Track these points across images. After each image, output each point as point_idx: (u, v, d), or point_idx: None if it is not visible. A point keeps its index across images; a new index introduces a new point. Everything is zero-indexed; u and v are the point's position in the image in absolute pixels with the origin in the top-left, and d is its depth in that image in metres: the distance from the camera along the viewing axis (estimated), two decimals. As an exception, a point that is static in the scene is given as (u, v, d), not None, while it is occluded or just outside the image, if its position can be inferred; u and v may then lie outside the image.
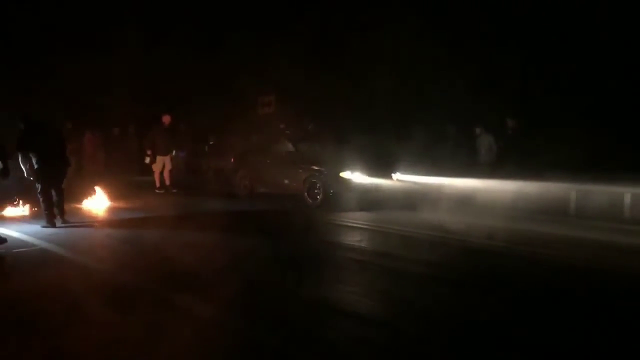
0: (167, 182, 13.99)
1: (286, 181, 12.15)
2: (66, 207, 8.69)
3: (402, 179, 11.95)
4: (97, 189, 10.85)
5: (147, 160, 13.96)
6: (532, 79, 13.53)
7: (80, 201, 10.60)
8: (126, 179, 15.53)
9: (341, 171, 11.31)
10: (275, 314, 4.42)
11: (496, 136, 12.72)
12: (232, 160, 14.17)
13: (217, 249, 6.92)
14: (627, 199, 10.41)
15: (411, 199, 11.23)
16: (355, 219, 9.84)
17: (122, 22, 18.97)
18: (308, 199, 11.54)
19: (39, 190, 8.28)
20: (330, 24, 16.88)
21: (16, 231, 7.87)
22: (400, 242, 7.87)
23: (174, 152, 14.32)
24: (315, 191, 11.45)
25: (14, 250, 6.69)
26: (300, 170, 11.82)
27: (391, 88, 15.33)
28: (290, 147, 12.63)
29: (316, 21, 17.30)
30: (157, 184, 13.96)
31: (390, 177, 11.80)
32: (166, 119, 14.08)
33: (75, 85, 16.85)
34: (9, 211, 9.55)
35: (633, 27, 12.15)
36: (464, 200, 11.15)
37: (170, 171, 14.04)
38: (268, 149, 13.16)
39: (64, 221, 8.47)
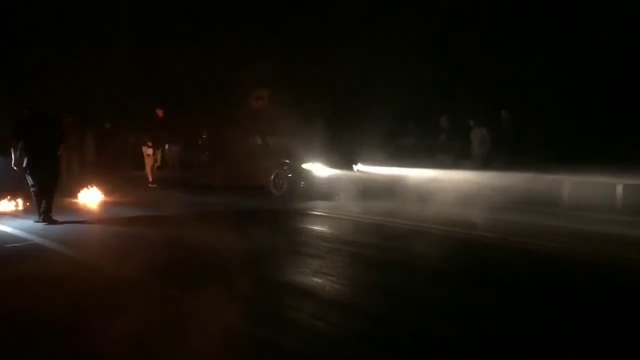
0: (150, 178, 13.98)
1: (255, 173, 12.86)
2: (61, 201, 8.63)
3: (363, 170, 12.72)
4: (92, 183, 10.81)
5: (150, 152, 13.91)
6: (527, 71, 13.55)
7: (75, 195, 10.56)
8: (119, 173, 15.47)
9: (303, 163, 12.08)
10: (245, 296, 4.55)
11: (489, 129, 12.75)
12: (207, 153, 14.81)
13: (187, 240, 7.08)
14: (619, 190, 10.47)
15: (370, 189, 11.88)
16: (314, 207, 10.48)
17: (116, 16, 18.91)
18: (273, 189, 12.30)
19: (30, 184, 8.22)
20: (319, 18, 16.90)
21: (9, 226, 7.84)
22: (353, 228, 8.41)
23: (166, 146, 14.33)
24: (280, 182, 12.24)
25: (7, 246, 6.66)
26: (267, 163, 12.64)
27: (382, 81, 15.36)
28: (259, 140, 13.48)
29: (303, 15, 17.41)
30: (150, 179, 13.94)
31: (351, 168, 12.53)
32: (159, 112, 14.08)
33: (67, 79, 16.74)
34: (2, 206, 9.47)
35: (626, 22, 12.20)
36: (426, 190, 11.43)
37: (153, 166, 14.03)
38: (239, 143, 13.86)
39: (48, 219, 8.16)
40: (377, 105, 14.12)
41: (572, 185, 11.14)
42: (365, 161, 12.86)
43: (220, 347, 3.49)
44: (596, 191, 10.66)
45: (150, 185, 13.76)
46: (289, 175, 12.15)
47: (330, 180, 12.08)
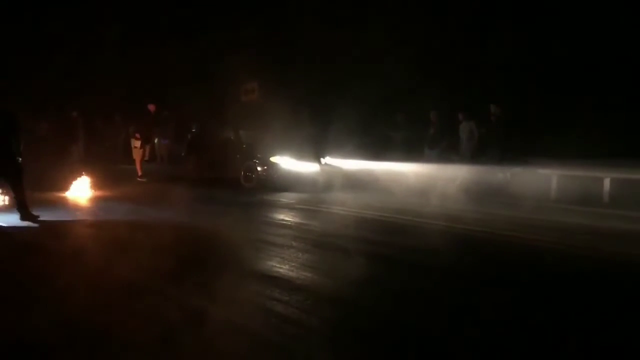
0: (139, 172, 13.88)
1: (227, 165, 13.53)
2: (50, 196, 8.51)
3: (330, 163, 13.30)
4: (81, 177, 10.72)
5: (137, 144, 13.86)
6: (516, 67, 13.65)
7: (64, 190, 10.47)
8: (110, 167, 15.40)
9: (272, 156, 12.63)
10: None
11: (478, 122, 12.82)
12: (185, 146, 15.18)
13: (161, 228, 7.47)
14: (607, 184, 10.63)
15: (337, 182, 12.43)
16: (281, 198, 11.04)
17: (104, 11, 18.78)
18: (244, 181, 12.82)
19: None
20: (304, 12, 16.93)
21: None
22: (315, 218, 8.80)
23: (156, 140, 14.30)
24: (250, 174, 12.78)
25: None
26: (238, 156, 13.27)
27: (369, 74, 15.40)
28: (231, 134, 14.12)
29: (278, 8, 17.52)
30: (139, 173, 13.87)
31: (319, 162, 13.04)
32: (151, 107, 14.05)
33: (59, 74, 16.66)
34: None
35: (614, 18, 12.31)
36: (393, 183, 12.03)
37: (141, 161, 13.96)
38: (214, 136, 14.58)
39: (25, 216, 7.65)
40: (353, 99, 14.27)
41: (559, 179, 11.30)
42: (335, 154, 13.44)
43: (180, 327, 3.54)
44: (584, 185, 10.83)
45: (139, 179, 13.70)
46: (259, 168, 12.68)
47: (297, 173, 12.60)
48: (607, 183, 10.62)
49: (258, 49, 17.26)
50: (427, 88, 13.47)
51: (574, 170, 11.10)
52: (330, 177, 12.83)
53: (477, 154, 12.61)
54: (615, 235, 7.54)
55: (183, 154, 15.42)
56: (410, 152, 13.31)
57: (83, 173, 10.80)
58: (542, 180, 11.34)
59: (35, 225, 7.48)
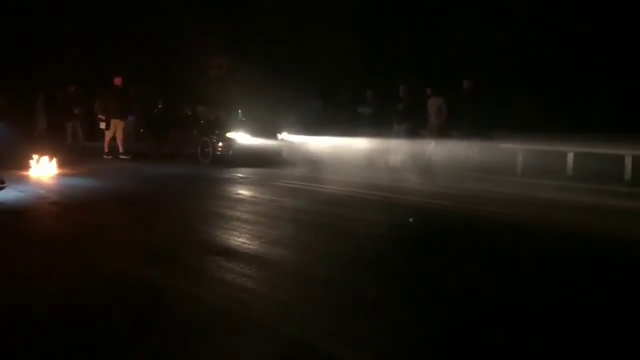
0: (121, 149, 13.64)
1: (185, 142, 13.75)
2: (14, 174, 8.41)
3: (287, 139, 13.49)
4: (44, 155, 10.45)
5: (102, 125, 13.58)
6: (485, 44, 13.75)
7: (27, 168, 10.21)
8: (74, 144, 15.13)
9: (228, 132, 12.79)
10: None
11: (446, 98, 12.89)
12: (142, 123, 15.55)
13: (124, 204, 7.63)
14: (570, 158, 10.87)
15: (294, 158, 12.82)
16: (236, 173, 11.18)
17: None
18: (201, 157, 13.02)
19: None
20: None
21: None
22: (269, 191, 9.01)
23: (129, 117, 14.09)
24: (207, 150, 12.93)
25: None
26: (195, 132, 13.45)
27: (341, 50, 15.34)
28: (188, 110, 14.32)
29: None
30: (106, 149, 13.63)
31: (275, 138, 13.28)
32: (117, 80, 13.67)
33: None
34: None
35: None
36: (355, 158, 12.43)
37: (123, 137, 13.72)
38: (171, 113, 14.76)
39: None
40: (318, 75, 14.32)
41: (525, 154, 11.52)
42: (293, 131, 13.60)
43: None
44: (548, 159, 11.06)
45: (104, 156, 13.49)
46: (215, 144, 12.84)
47: (253, 149, 12.82)
48: (570, 157, 10.87)
49: (222, 25, 17.02)
50: (396, 64, 13.51)
51: (539, 145, 11.31)
52: (287, 153, 13.15)
53: (445, 129, 12.72)
54: (576, 208, 7.71)
55: (141, 131, 15.64)
56: (378, 128, 13.35)
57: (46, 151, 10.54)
58: (507, 155, 11.54)
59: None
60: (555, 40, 12.81)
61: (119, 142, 13.64)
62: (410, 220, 6.41)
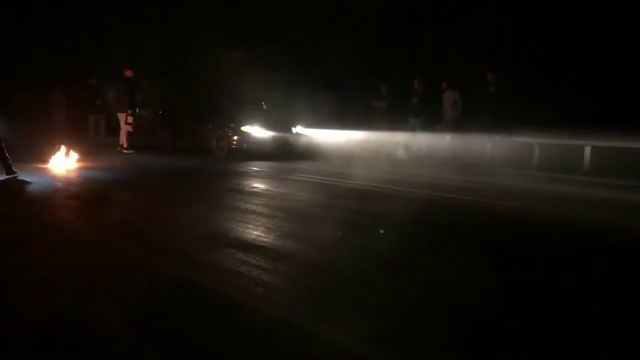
0: (125, 144, 13.74)
1: (199, 136, 13.74)
2: (31, 166, 8.53)
3: (302, 132, 13.55)
4: (63, 148, 10.57)
5: (130, 120, 13.67)
6: (506, 38, 13.61)
7: (46, 161, 10.34)
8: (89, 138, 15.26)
9: (242, 126, 12.82)
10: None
11: (462, 92, 12.81)
12: (156, 115, 15.60)
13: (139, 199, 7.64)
14: (587, 152, 10.76)
15: (308, 150, 13.01)
16: (251, 167, 11.17)
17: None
18: (216, 151, 13.11)
19: None
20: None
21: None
22: (284, 184, 9.03)
23: (137, 110, 14.12)
24: (222, 144, 13.03)
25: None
26: (210, 126, 13.43)
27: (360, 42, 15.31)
28: (204, 104, 14.31)
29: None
30: (125, 144, 13.73)
31: (290, 131, 13.33)
32: (128, 73, 13.74)
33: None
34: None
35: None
36: (365, 152, 12.42)
37: (129, 131, 13.80)
38: (185, 107, 14.72)
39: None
40: (331, 69, 14.29)
41: (541, 148, 11.43)
42: (308, 124, 13.67)
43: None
44: (565, 153, 10.96)
45: (124, 151, 13.59)
46: (230, 137, 12.89)
47: (268, 142, 12.92)
48: (587, 151, 10.77)
49: (238, 19, 17.01)
50: (412, 57, 13.44)
51: (556, 139, 11.20)
52: (302, 146, 13.21)
53: (461, 123, 12.65)
54: (591, 203, 7.63)
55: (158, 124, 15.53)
56: (393, 122, 13.32)
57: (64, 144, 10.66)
58: (524, 149, 11.46)
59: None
60: (575, 32, 12.65)
61: (124, 135, 13.76)
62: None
